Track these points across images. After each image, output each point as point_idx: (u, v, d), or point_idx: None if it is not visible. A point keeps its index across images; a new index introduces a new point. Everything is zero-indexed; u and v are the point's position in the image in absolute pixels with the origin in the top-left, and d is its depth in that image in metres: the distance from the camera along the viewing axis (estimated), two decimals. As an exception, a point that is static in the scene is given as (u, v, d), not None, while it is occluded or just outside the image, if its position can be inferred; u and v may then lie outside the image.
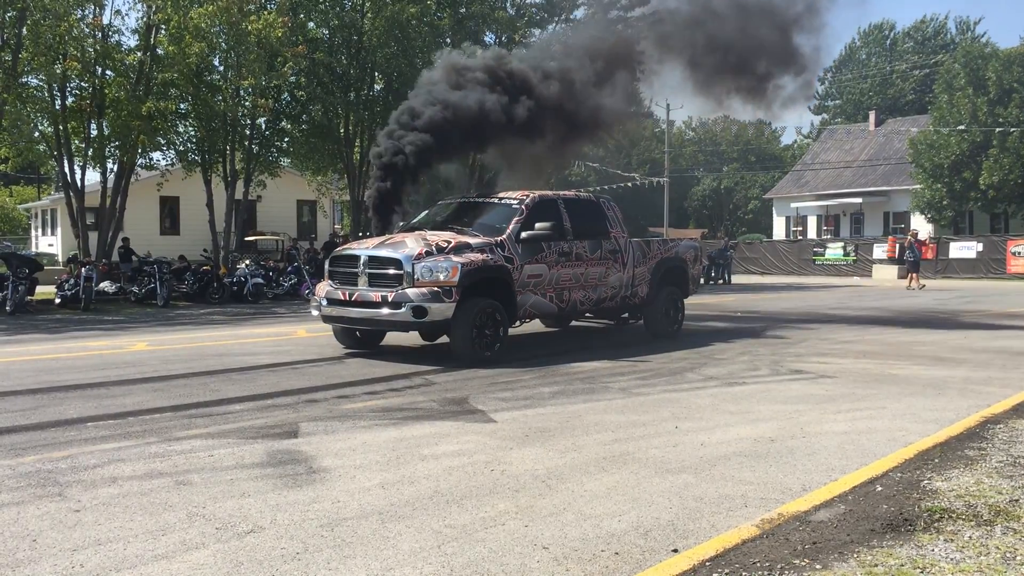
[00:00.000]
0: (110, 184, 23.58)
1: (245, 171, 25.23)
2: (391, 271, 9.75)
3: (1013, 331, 13.96)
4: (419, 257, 9.62)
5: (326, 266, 10.88)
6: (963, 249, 36.01)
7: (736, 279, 34.66)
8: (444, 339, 10.40)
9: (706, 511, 4.40)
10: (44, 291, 19.74)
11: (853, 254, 38.93)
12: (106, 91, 22.27)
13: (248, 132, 24.72)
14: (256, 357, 10.29)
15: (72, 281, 19.28)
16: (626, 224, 12.32)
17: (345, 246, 11.58)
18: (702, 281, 20.60)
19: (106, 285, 20.36)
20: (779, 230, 51.18)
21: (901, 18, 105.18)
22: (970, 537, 4.01)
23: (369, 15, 25.65)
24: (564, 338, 12.72)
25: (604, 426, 6.42)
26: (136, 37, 23.95)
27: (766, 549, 3.86)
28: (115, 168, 23.75)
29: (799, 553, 3.80)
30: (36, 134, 23.66)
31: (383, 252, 9.98)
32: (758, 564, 3.68)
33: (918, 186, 40.53)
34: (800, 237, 46.80)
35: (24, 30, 20.39)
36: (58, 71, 21.45)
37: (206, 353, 10.83)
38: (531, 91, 13.23)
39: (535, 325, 13.19)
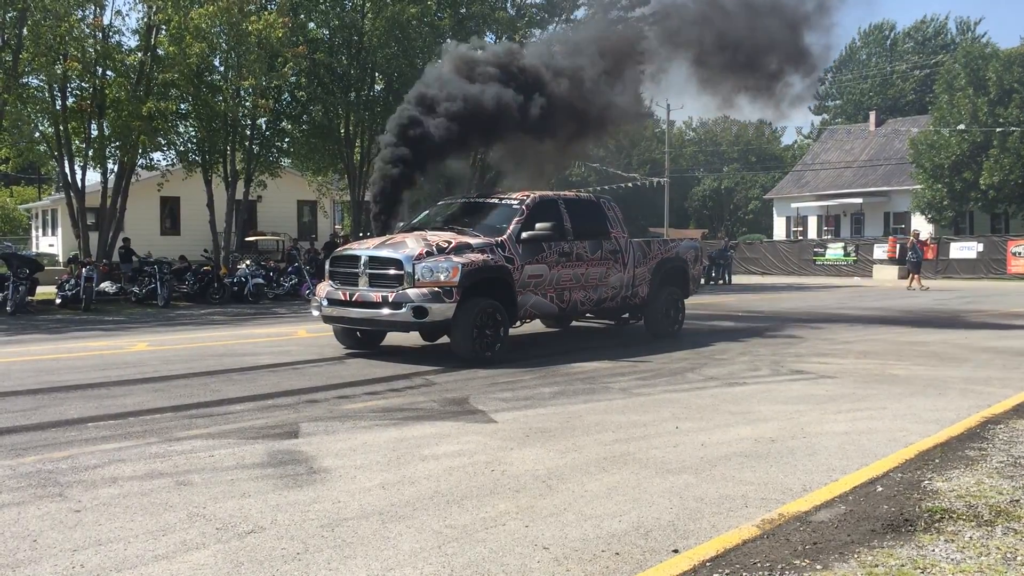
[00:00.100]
0: (110, 184, 23.59)
1: (245, 171, 25.24)
2: (392, 271, 9.75)
3: (1013, 331, 13.96)
4: (420, 257, 9.62)
5: (327, 266, 10.88)
6: (963, 249, 36.00)
7: (736, 279, 34.67)
8: (445, 339, 10.41)
9: (707, 511, 4.40)
10: (45, 291, 19.75)
11: (853, 254, 38.93)
12: (107, 91, 22.28)
13: (248, 132, 24.73)
14: (257, 357, 10.30)
15: (73, 281, 19.29)
16: (626, 224, 12.32)
17: (346, 246, 11.58)
18: (702, 281, 20.61)
19: (107, 285, 20.37)
20: (779, 230, 51.18)
21: (901, 18, 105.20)
22: (971, 537, 4.01)
23: (369, 15, 25.66)
24: (565, 338, 12.72)
25: (605, 426, 6.42)
26: (136, 37, 23.99)
27: (767, 549, 3.86)
28: (115, 168, 23.77)
29: (800, 553, 3.80)
30: (37, 134, 23.68)
31: (384, 252, 9.98)
32: (759, 564, 3.68)
33: (918, 186, 40.52)
34: (800, 237, 46.80)
35: (25, 30, 20.40)
36: (59, 71, 21.46)
37: (207, 353, 10.83)
38: (543, 88, 13.19)
39: (536, 325, 13.19)
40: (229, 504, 4.50)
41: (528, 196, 11.16)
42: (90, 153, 23.22)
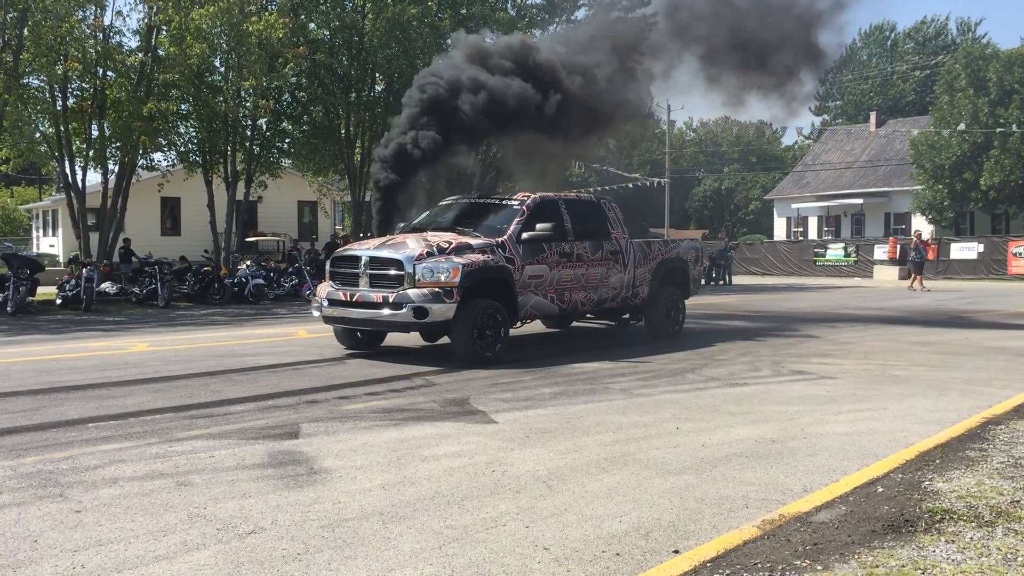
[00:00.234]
0: (111, 185, 23.60)
1: (246, 172, 25.26)
2: (392, 272, 9.75)
3: (1014, 331, 13.96)
4: (420, 258, 9.62)
5: (327, 267, 10.88)
6: (964, 250, 36.00)
7: (737, 280, 34.66)
8: (445, 340, 10.41)
9: (707, 512, 4.40)
10: (45, 292, 19.75)
11: (854, 255, 38.93)
12: (107, 92, 22.29)
13: (249, 133, 24.74)
14: (257, 358, 10.30)
15: (73, 282, 19.29)
16: (627, 225, 12.32)
17: (346, 247, 11.58)
18: (703, 282, 20.60)
19: (107, 286, 20.39)
20: (780, 231, 51.17)
21: (902, 19, 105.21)
22: (971, 538, 4.01)
23: (370, 16, 25.66)
24: (565, 339, 12.72)
25: (605, 427, 6.42)
26: (137, 38, 24.03)
27: (767, 550, 3.86)
28: (116, 169, 23.79)
29: (800, 554, 3.80)
30: (37, 135, 23.69)
31: (384, 253, 9.98)
32: (759, 565, 3.68)
33: (919, 187, 40.51)
34: (801, 238, 46.79)
35: (25, 31, 20.43)
36: (59, 72, 21.48)
37: (207, 354, 10.83)
38: (559, 84, 13.14)
39: (536, 326, 13.19)
40: (230, 505, 4.50)
41: (529, 197, 11.16)
42: (91, 153, 23.23)
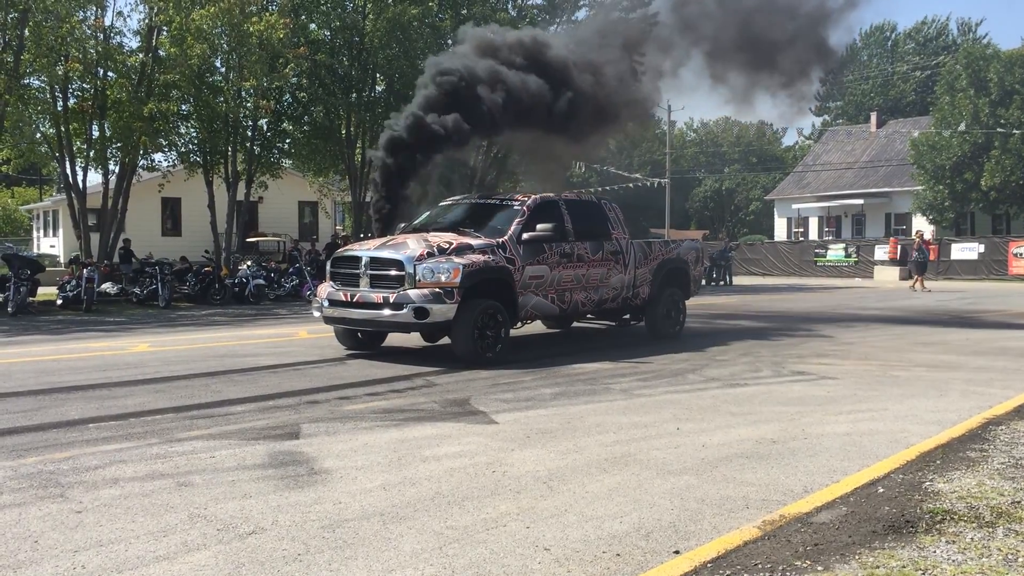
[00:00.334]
0: (112, 185, 23.60)
1: (247, 172, 25.27)
2: (393, 272, 9.75)
3: (1015, 331, 13.95)
4: (421, 258, 9.62)
5: (328, 267, 10.88)
6: (964, 250, 35.99)
7: (737, 280, 34.65)
8: (446, 340, 10.41)
9: (708, 512, 4.40)
10: (46, 292, 19.76)
11: (855, 255, 38.91)
12: (108, 92, 22.29)
13: (250, 133, 24.74)
14: (257, 358, 10.30)
15: (74, 282, 19.30)
16: (627, 225, 12.32)
17: (347, 247, 11.57)
18: (703, 282, 20.60)
19: (108, 286, 20.38)
20: (780, 231, 51.16)
21: (902, 20, 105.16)
22: (972, 539, 4.01)
23: (370, 16, 25.66)
24: (566, 339, 12.71)
25: (606, 427, 6.42)
26: (138, 38, 24.03)
27: (768, 551, 3.86)
28: (116, 169, 23.79)
29: (801, 555, 3.80)
30: (38, 135, 23.69)
31: (385, 253, 9.98)
32: (760, 566, 3.68)
33: (920, 187, 40.50)
34: (801, 238, 46.76)
35: (26, 31, 20.44)
36: (60, 72, 21.48)
37: (208, 354, 10.83)
38: (570, 81, 13.08)
39: (537, 326, 13.19)
40: (230, 505, 4.50)
41: (529, 197, 11.16)
42: (91, 154, 23.24)
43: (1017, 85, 36.41)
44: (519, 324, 11.09)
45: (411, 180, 12.02)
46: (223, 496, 4.65)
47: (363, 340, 10.94)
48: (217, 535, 4.04)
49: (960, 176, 38.04)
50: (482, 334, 9.69)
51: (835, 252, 39.95)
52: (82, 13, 21.65)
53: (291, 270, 23.79)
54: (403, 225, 11.79)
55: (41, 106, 22.19)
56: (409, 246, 9.93)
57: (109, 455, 5.55)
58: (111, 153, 23.51)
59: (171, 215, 32.46)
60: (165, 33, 22.55)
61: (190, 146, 24.83)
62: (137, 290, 20.43)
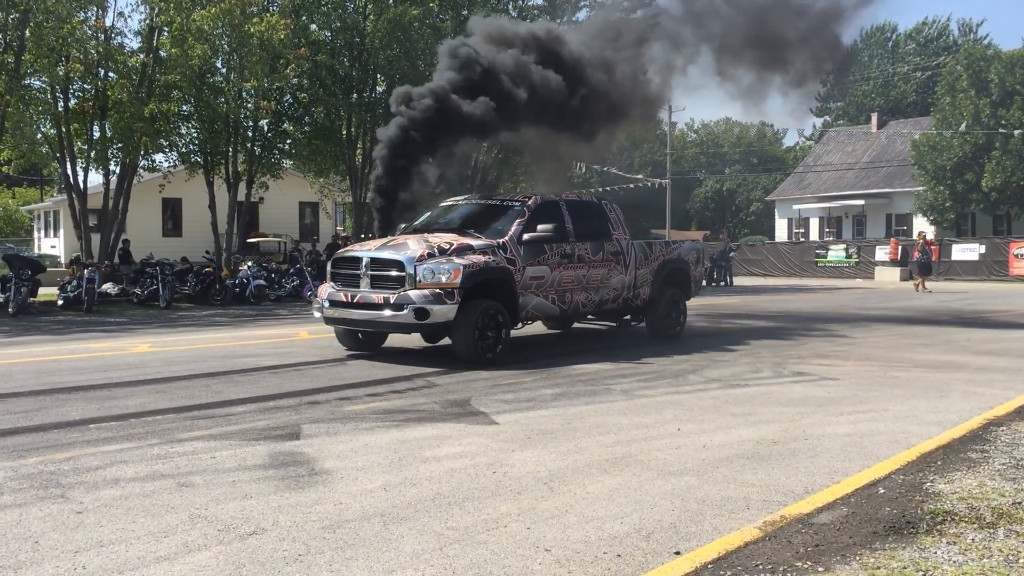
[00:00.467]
0: (112, 186, 23.62)
1: (247, 173, 25.28)
2: (393, 273, 9.75)
3: (1016, 332, 13.95)
4: (421, 259, 9.62)
5: (328, 268, 10.88)
6: (965, 251, 35.96)
7: (738, 281, 34.64)
8: (446, 341, 10.41)
9: (708, 513, 4.40)
10: (47, 293, 19.77)
11: (855, 256, 38.90)
12: (109, 93, 22.31)
13: (250, 134, 24.76)
14: (258, 359, 10.30)
15: (75, 283, 19.31)
16: (628, 226, 12.32)
17: (347, 248, 11.57)
18: (704, 283, 20.59)
19: (108, 287, 20.40)
20: (781, 232, 51.14)
21: (903, 20, 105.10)
22: (973, 540, 4.00)
23: (371, 17, 25.68)
24: (566, 340, 12.71)
25: (606, 428, 6.41)
26: (139, 39, 24.04)
27: (768, 551, 3.85)
28: (117, 170, 23.80)
29: (801, 555, 3.80)
30: (39, 136, 23.70)
31: (385, 254, 9.99)
32: (760, 566, 3.68)
33: (920, 188, 40.49)
34: (802, 239, 46.76)
35: (27, 32, 20.45)
36: (61, 73, 21.50)
37: (208, 355, 10.83)
38: (585, 79, 13.02)
39: (537, 327, 13.19)
40: (231, 506, 4.50)
41: (530, 198, 11.16)
42: (92, 155, 23.25)
43: (1018, 86, 36.39)
44: (520, 325, 11.09)
45: (420, 164, 11.91)
46: (224, 497, 4.65)
47: (364, 341, 10.94)
48: (218, 536, 4.04)
49: (961, 177, 38.02)
50: (483, 335, 9.69)
51: (836, 253, 39.92)
52: (83, 14, 21.66)
53: (292, 271, 23.79)
54: (404, 226, 11.79)
55: (42, 107, 22.20)
56: (410, 247, 9.93)
57: (110, 455, 5.55)
58: (112, 154, 23.53)
59: (172, 216, 32.48)
60: (166, 34, 22.56)
61: (191, 147, 24.85)
62: (138, 291, 20.44)
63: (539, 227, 10.44)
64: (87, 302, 18.67)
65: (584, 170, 49.71)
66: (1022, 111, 36.13)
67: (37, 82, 22.38)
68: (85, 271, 19.33)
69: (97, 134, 23.05)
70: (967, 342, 12.38)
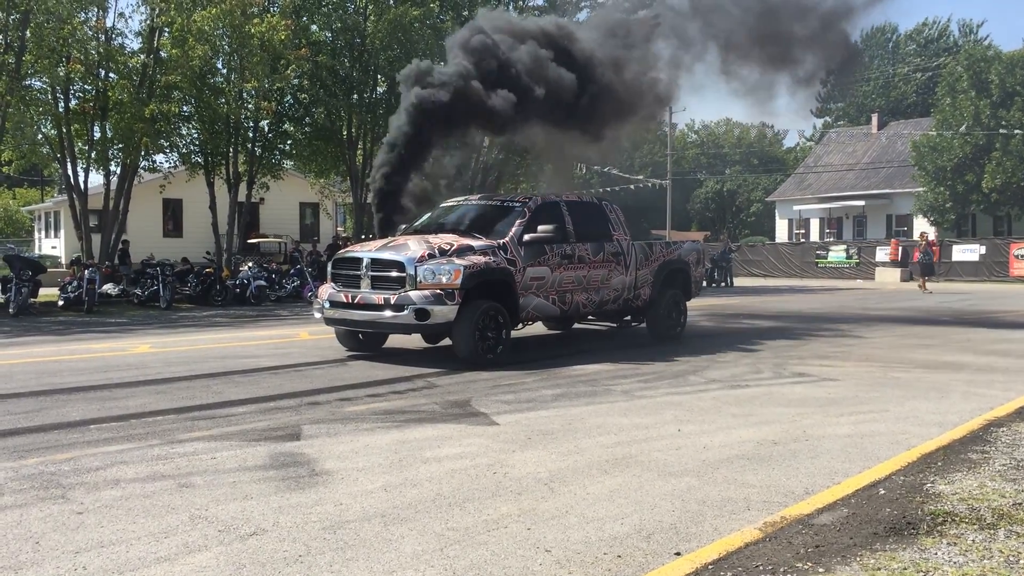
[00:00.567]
0: (113, 186, 23.63)
1: (248, 173, 25.29)
2: (394, 273, 9.75)
3: (1016, 332, 13.94)
4: (422, 259, 9.62)
5: (329, 268, 10.88)
6: (966, 252, 35.94)
7: (738, 282, 34.61)
8: (447, 341, 10.41)
9: (709, 514, 4.40)
10: (47, 293, 19.77)
11: (856, 257, 38.89)
12: (109, 94, 22.32)
13: (251, 134, 24.77)
14: (258, 359, 10.30)
15: (75, 283, 19.31)
16: (628, 226, 12.31)
17: (348, 248, 11.57)
18: (704, 284, 20.60)
19: (109, 287, 20.40)
20: (782, 233, 51.13)
21: (903, 21, 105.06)
22: (973, 540, 4.00)
23: (372, 18, 25.69)
24: (566, 341, 12.71)
25: (606, 429, 6.41)
26: (139, 40, 24.04)
27: (769, 552, 3.85)
28: (118, 171, 23.81)
29: (802, 556, 3.80)
30: (39, 137, 23.73)
31: (386, 255, 9.99)
32: (761, 567, 3.68)
33: (921, 189, 40.49)
34: (803, 240, 46.75)
35: (28, 33, 20.46)
36: (61, 74, 21.52)
37: (209, 355, 10.84)
38: (596, 78, 12.97)
39: (538, 327, 13.19)
40: (231, 506, 4.50)
41: (530, 198, 11.16)
42: (93, 155, 23.26)
43: (1018, 87, 36.39)
44: (520, 325, 11.09)
45: (429, 154, 11.82)
46: (224, 497, 4.65)
47: (364, 341, 10.94)
48: (218, 536, 4.05)
49: (961, 178, 38.02)
50: (483, 335, 9.69)
51: (836, 253, 39.91)
52: (84, 14, 21.68)
53: (292, 271, 23.80)
54: (404, 226, 11.79)
55: (43, 107, 22.22)
56: (410, 247, 9.93)
57: (110, 456, 5.55)
58: (112, 154, 23.54)
59: (172, 216, 32.51)
60: (167, 34, 22.56)
61: (191, 147, 24.86)
62: (138, 291, 20.44)
63: (540, 228, 10.44)
64: (88, 303, 18.67)
65: (585, 171, 49.73)
66: (1022, 112, 36.13)
67: (38, 83, 22.41)
68: (86, 272, 19.33)
69: (98, 135, 23.06)
70: (967, 343, 12.38)
